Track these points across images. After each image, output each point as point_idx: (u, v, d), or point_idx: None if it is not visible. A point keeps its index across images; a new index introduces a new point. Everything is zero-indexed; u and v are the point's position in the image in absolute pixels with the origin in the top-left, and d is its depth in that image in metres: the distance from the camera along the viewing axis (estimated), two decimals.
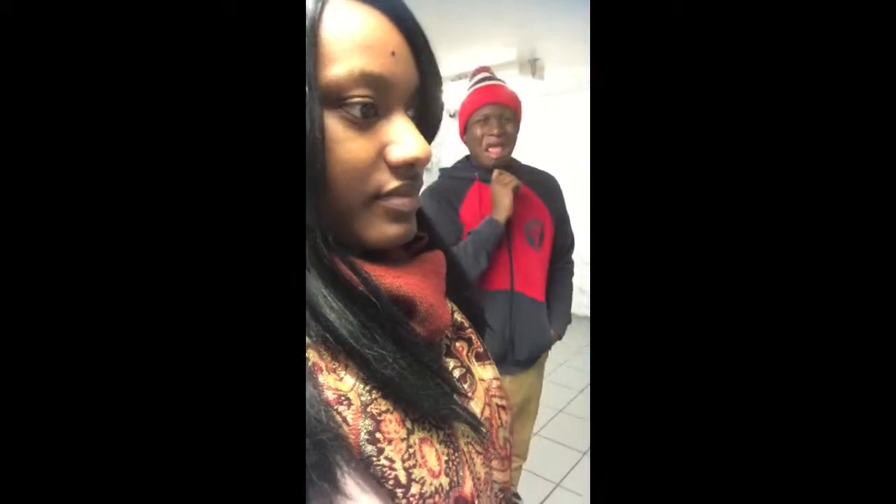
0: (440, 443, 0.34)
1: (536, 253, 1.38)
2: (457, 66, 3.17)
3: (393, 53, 0.33)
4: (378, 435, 0.31)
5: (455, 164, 1.47)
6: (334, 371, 0.32)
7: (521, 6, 2.37)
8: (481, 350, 0.46)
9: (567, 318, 1.51)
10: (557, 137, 4.41)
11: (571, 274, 1.56)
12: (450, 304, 0.44)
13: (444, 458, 0.34)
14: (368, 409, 0.31)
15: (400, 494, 0.30)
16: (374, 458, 0.30)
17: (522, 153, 1.46)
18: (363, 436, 0.30)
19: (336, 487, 0.28)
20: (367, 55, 0.32)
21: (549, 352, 1.52)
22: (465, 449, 0.37)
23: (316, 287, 0.31)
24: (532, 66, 3.31)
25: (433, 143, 0.38)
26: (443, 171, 1.48)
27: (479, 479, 0.37)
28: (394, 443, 0.31)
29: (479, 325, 0.50)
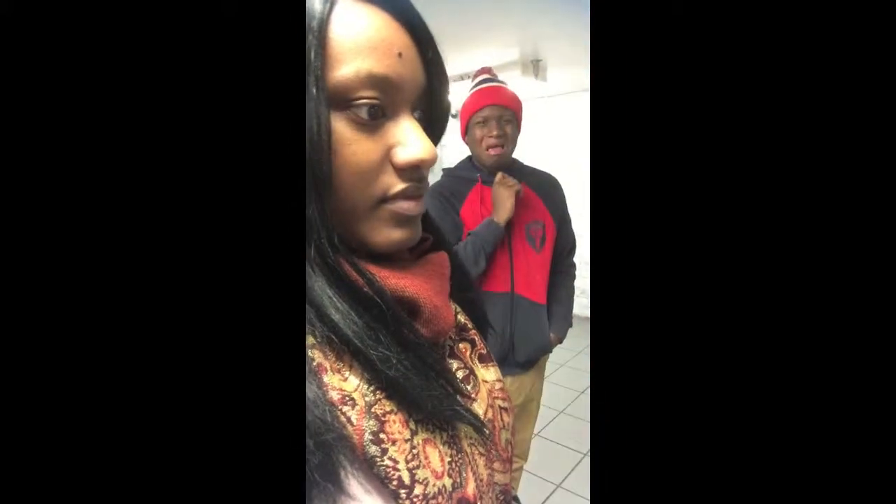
0: (444, 444, 0.34)
1: (537, 255, 1.38)
2: (459, 66, 3.17)
3: (400, 54, 0.33)
4: (382, 435, 0.31)
5: (458, 163, 1.47)
6: (339, 371, 0.32)
7: (524, 7, 2.37)
8: (484, 352, 0.46)
9: (568, 321, 1.51)
10: (560, 138, 4.41)
11: (573, 277, 1.56)
12: (453, 306, 0.44)
13: (448, 459, 0.34)
14: (373, 410, 0.31)
15: (403, 495, 0.30)
16: (378, 459, 0.30)
17: (524, 154, 1.46)
18: (367, 436, 0.30)
19: (340, 488, 0.28)
20: (374, 56, 0.32)
21: (552, 352, 1.52)
22: (469, 450, 0.37)
23: (321, 288, 0.31)
24: (535, 66, 3.31)
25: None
26: (446, 170, 1.48)
27: (481, 480, 0.37)
28: (398, 443, 0.31)
29: (482, 326, 0.50)
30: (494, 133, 1.31)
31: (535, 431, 2.28)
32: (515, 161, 1.44)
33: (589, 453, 2.28)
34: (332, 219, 0.32)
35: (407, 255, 0.40)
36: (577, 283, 1.59)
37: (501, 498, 0.40)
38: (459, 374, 0.42)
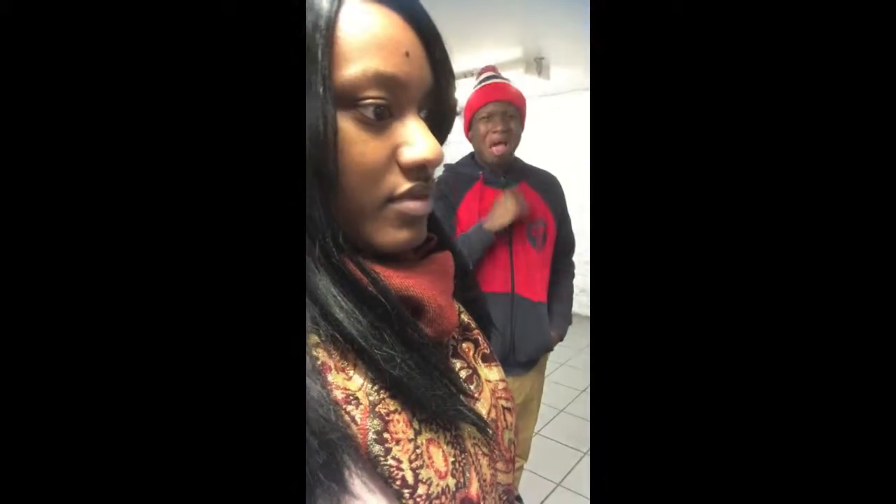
0: (447, 444, 0.34)
1: (538, 254, 1.38)
2: (462, 64, 3.16)
3: (407, 54, 0.33)
4: (386, 435, 0.31)
5: (460, 159, 1.46)
6: (343, 370, 0.32)
7: (527, 4, 2.36)
8: (487, 351, 0.46)
9: (568, 319, 1.51)
10: (562, 136, 4.41)
11: (572, 275, 1.56)
12: (457, 305, 0.44)
13: (451, 459, 0.34)
14: (377, 409, 0.31)
15: (407, 495, 0.30)
16: (382, 458, 0.30)
17: (526, 151, 1.45)
18: (371, 436, 0.30)
19: (344, 487, 0.28)
20: (382, 55, 0.31)
21: (552, 351, 1.52)
22: (472, 450, 0.37)
23: (325, 287, 0.31)
24: (538, 64, 3.30)
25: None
26: (447, 166, 1.47)
27: (484, 480, 0.37)
28: (401, 443, 0.31)
29: (486, 326, 0.50)
30: (499, 129, 1.30)
31: (536, 430, 2.29)
32: (517, 159, 1.44)
33: (589, 452, 2.28)
34: (337, 218, 0.32)
35: (411, 254, 0.40)
36: (577, 281, 1.59)
37: (504, 498, 0.40)
38: (463, 374, 0.42)
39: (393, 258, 0.36)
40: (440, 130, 0.39)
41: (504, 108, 1.32)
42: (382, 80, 0.31)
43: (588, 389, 2.89)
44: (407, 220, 0.35)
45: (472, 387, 0.41)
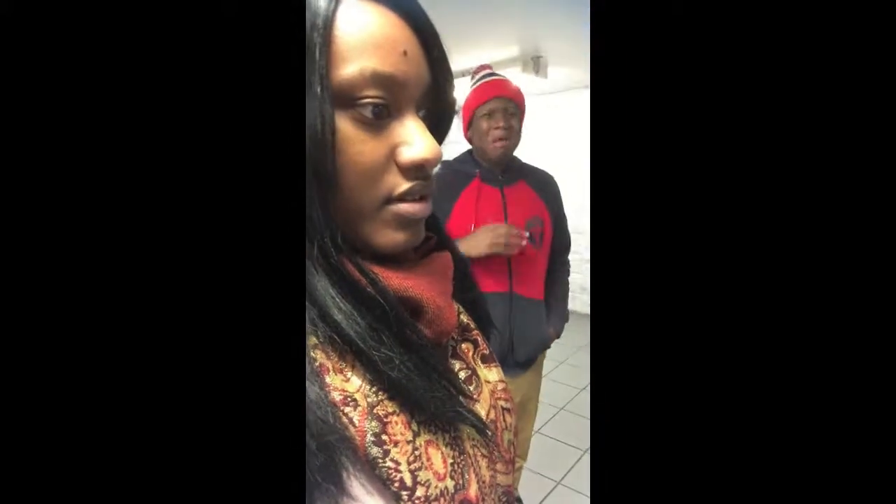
0: (446, 445, 0.34)
1: (536, 252, 1.37)
2: (459, 63, 3.16)
3: (405, 53, 0.32)
4: (384, 437, 0.30)
5: (458, 156, 1.45)
6: (341, 372, 0.32)
7: (524, 3, 2.36)
8: (487, 352, 0.46)
9: (565, 316, 1.51)
10: (560, 135, 4.41)
11: (567, 273, 1.56)
12: (456, 306, 0.44)
13: (450, 460, 0.34)
14: (375, 411, 0.31)
15: (405, 497, 0.30)
16: (380, 460, 0.30)
17: (524, 150, 1.45)
18: (369, 437, 0.30)
19: (342, 489, 0.28)
20: (379, 55, 0.31)
21: (550, 350, 1.52)
22: (471, 452, 0.37)
23: (324, 288, 0.31)
24: (535, 63, 3.30)
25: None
26: (444, 163, 1.46)
27: (483, 482, 0.37)
28: (400, 445, 0.31)
29: (485, 326, 0.49)
30: (501, 125, 1.30)
31: (535, 429, 2.29)
32: (515, 158, 1.43)
33: (589, 450, 2.28)
34: (335, 218, 0.32)
35: (410, 254, 0.40)
36: (577, 279, 1.59)
37: (504, 499, 0.40)
38: (462, 375, 0.42)
39: (392, 259, 0.36)
40: (439, 130, 0.39)
41: (505, 105, 1.31)
42: (380, 80, 0.31)
43: (587, 387, 2.90)
44: (405, 222, 0.35)
45: (471, 388, 0.41)
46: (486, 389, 0.43)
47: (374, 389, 0.32)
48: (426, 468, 0.32)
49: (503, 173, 1.38)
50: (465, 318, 0.46)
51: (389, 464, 0.30)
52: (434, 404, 0.33)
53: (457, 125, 1.41)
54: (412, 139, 0.33)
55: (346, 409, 0.30)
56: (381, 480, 0.30)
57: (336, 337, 0.31)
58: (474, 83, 1.38)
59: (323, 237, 0.31)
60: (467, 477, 0.35)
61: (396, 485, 0.30)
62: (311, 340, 0.31)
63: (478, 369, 0.44)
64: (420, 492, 0.31)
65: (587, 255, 3.72)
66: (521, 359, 1.36)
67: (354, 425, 0.30)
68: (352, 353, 0.32)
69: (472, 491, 0.35)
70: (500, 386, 0.45)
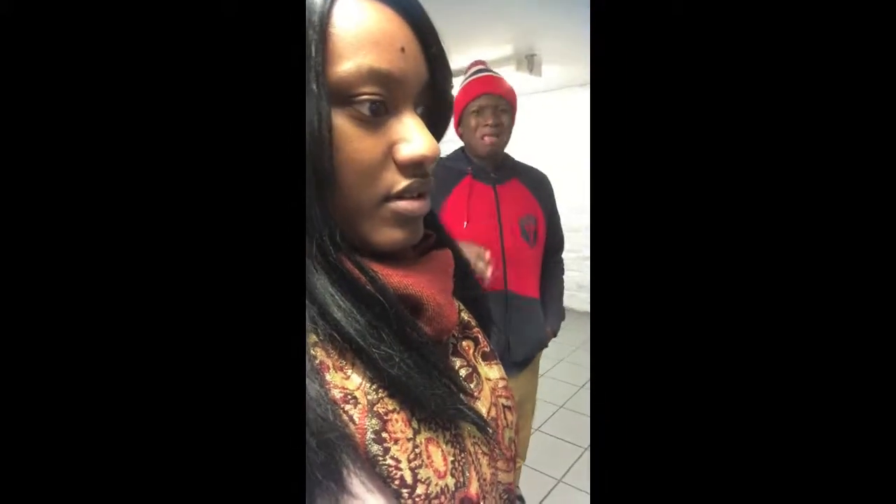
0: (446, 443, 0.34)
1: (531, 249, 1.37)
2: (454, 62, 3.16)
3: (402, 49, 0.32)
4: (384, 434, 0.30)
5: (450, 153, 1.44)
6: (341, 369, 0.31)
7: (518, 1, 2.36)
8: (487, 350, 0.46)
9: (561, 314, 1.51)
10: (554, 133, 4.42)
11: (562, 271, 1.56)
12: (456, 303, 0.44)
13: (451, 458, 0.34)
14: (375, 409, 0.31)
15: (405, 494, 0.30)
16: (380, 458, 0.30)
17: (518, 149, 1.45)
18: (369, 435, 0.30)
19: (342, 487, 0.28)
20: (376, 51, 0.31)
21: (550, 348, 1.52)
22: (472, 449, 0.37)
23: (323, 286, 0.31)
24: (529, 62, 3.30)
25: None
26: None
27: (484, 479, 0.37)
28: (400, 442, 0.31)
29: (486, 324, 0.49)
30: (490, 122, 1.29)
31: (535, 427, 2.29)
32: (508, 156, 1.43)
33: (589, 448, 2.29)
34: (334, 216, 0.32)
35: (410, 252, 0.40)
36: (576, 277, 1.59)
37: (505, 497, 0.40)
38: (462, 373, 0.42)
39: (391, 256, 0.36)
40: (437, 126, 0.39)
41: (496, 102, 1.30)
42: (377, 77, 0.31)
43: (587, 385, 2.90)
44: (403, 220, 0.35)
45: (471, 385, 0.41)
46: (486, 387, 0.43)
47: (374, 387, 0.32)
48: (426, 466, 0.32)
49: (496, 171, 1.37)
50: (465, 315, 0.46)
51: (390, 461, 0.30)
52: (434, 402, 0.33)
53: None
54: (410, 136, 0.33)
55: (347, 407, 0.30)
56: (381, 478, 0.30)
57: (336, 335, 0.31)
58: (466, 78, 1.38)
59: (322, 235, 0.31)
60: (468, 475, 0.35)
61: (397, 482, 0.30)
62: (311, 338, 0.31)
63: (478, 367, 0.44)
64: (420, 489, 0.30)
65: (584, 253, 3.72)
66: (519, 358, 1.35)
67: (354, 423, 0.30)
68: (352, 350, 0.32)
69: (473, 489, 0.34)
70: (501, 384, 0.45)
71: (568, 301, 1.54)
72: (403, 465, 0.30)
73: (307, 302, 0.31)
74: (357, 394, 0.31)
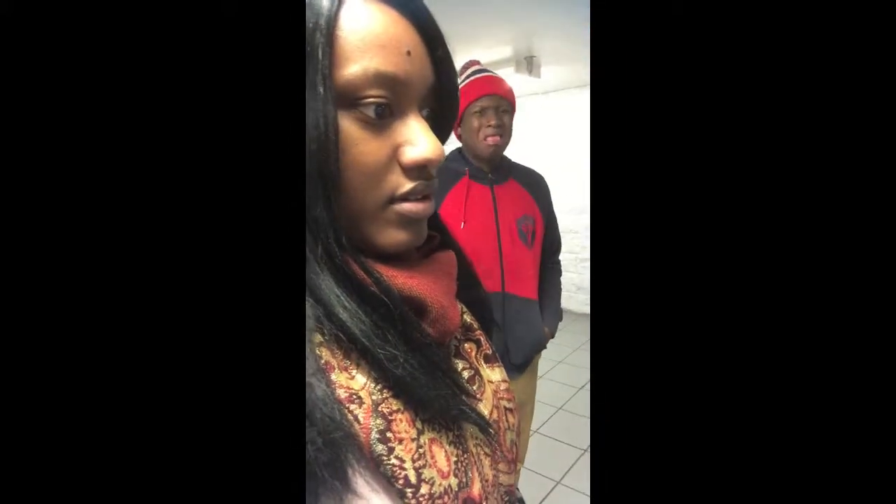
0: (450, 443, 0.34)
1: (529, 250, 1.37)
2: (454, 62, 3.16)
3: (408, 53, 0.32)
4: (389, 434, 0.30)
5: (447, 154, 1.44)
6: (346, 369, 0.32)
7: (517, 3, 2.36)
8: (490, 352, 0.46)
9: (558, 315, 1.51)
10: (553, 135, 4.42)
11: (559, 273, 1.56)
12: (459, 305, 0.44)
13: (454, 458, 0.34)
14: (380, 408, 0.31)
15: (409, 494, 0.30)
16: (385, 458, 0.30)
17: (517, 149, 1.45)
18: (374, 435, 0.30)
19: (347, 486, 0.28)
20: (383, 55, 0.31)
21: (548, 350, 1.52)
22: (474, 450, 0.37)
23: (329, 287, 0.31)
24: (528, 63, 3.31)
25: None
26: None
27: (487, 480, 0.37)
28: (404, 442, 0.31)
29: (488, 326, 0.49)
30: (493, 122, 1.29)
31: (535, 428, 2.29)
32: (505, 157, 1.42)
33: (589, 450, 2.29)
34: (339, 218, 0.32)
35: (414, 253, 0.40)
36: (573, 279, 1.60)
37: (506, 499, 0.40)
38: (465, 374, 0.42)
39: (396, 258, 0.36)
40: (442, 129, 0.39)
41: (498, 103, 1.30)
42: (383, 80, 0.31)
43: (586, 387, 2.90)
44: (407, 222, 0.35)
45: (474, 387, 0.41)
46: (488, 389, 0.43)
47: (378, 387, 0.32)
48: (430, 466, 0.32)
49: (493, 172, 1.37)
50: (468, 317, 0.46)
51: (394, 461, 0.30)
52: (438, 402, 0.33)
53: None
54: (415, 139, 0.34)
55: (352, 407, 0.30)
56: (385, 477, 0.30)
57: (341, 335, 0.31)
58: (464, 80, 1.37)
59: (327, 237, 0.31)
60: (471, 475, 0.35)
61: (401, 482, 0.30)
62: (317, 338, 0.31)
63: (481, 369, 0.44)
64: (424, 489, 0.31)
65: (583, 255, 3.73)
66: (518, 361, 1.35)
67: (359, 422, 0.30)
68: (357, 351, 0.32)
69: (476, 489, 0.35)
70: (503, 386, 0.45)
71: (566, 303, 1.54)
72: (407, 464, 0.30)
73: (313, 302, 0.31)
74: (362, 394, 0.31)
